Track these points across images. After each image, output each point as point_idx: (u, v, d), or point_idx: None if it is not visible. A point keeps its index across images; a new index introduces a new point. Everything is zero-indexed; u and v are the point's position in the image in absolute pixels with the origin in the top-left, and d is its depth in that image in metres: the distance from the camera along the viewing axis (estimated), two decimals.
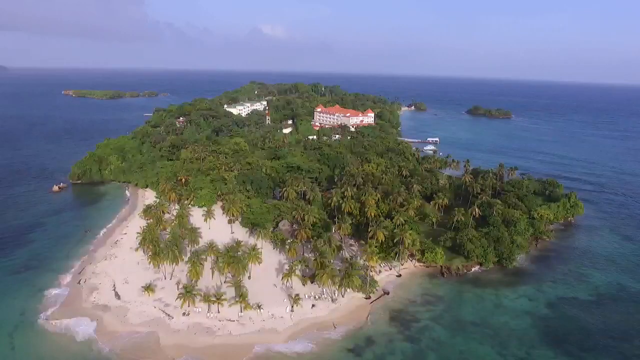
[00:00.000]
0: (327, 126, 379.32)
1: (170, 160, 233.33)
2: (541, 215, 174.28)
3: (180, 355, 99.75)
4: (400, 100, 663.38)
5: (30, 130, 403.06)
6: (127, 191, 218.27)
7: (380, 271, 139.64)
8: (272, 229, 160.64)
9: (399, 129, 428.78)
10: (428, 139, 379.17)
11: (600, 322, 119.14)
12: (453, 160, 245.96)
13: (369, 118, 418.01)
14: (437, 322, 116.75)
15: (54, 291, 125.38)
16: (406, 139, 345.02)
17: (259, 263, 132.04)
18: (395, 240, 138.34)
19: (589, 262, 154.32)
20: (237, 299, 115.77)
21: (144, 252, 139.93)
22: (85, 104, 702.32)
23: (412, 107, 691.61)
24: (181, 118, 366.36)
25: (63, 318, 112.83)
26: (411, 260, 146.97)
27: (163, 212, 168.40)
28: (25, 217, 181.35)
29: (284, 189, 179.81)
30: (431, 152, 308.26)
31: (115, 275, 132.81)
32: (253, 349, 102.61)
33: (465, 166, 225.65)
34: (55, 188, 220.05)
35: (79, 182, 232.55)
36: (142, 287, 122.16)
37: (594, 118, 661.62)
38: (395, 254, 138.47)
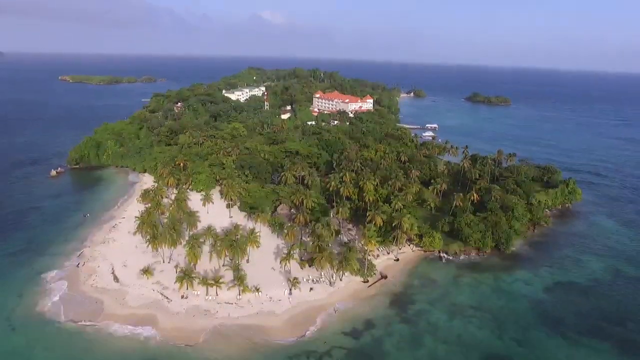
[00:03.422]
0: (325, 112, 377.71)
1: (169, 145, 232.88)
2: (539, 201, 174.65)
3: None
4: (399, 87, 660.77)
5: (27, 115, 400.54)
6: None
7: (378, 255, 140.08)
8: (270, 213, 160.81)
9: (397, 115, 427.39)
10: (427, 125, 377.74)
11: (595, 306, 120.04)
12: (452, 147, 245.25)
13: (367, 104, 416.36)
14: (434, 306, 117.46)
15: (52, 274, 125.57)
16: (405, 125, 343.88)
17: (257, 247, 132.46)
18: (393, 225, 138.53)
19: (585, 248, 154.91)
20: (235, 282, 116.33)
21: (142, 236, 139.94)
22: (83, 89, 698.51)
23: (411, 94, 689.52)
24: (179, 103, 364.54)
25: (62, 301, 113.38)
26: (409, 245, 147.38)
27: (161, 196, 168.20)
28: (24, 202, 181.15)
29: (283, 173, 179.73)
30: (430, 138, 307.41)
31: (114, 259, 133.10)
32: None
33: (464, 152, 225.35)
34: (53, 173, 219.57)
35: (77, 166, 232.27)
36: (141, 270, 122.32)
37: (594, 106, 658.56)
38: (394, 238, 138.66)
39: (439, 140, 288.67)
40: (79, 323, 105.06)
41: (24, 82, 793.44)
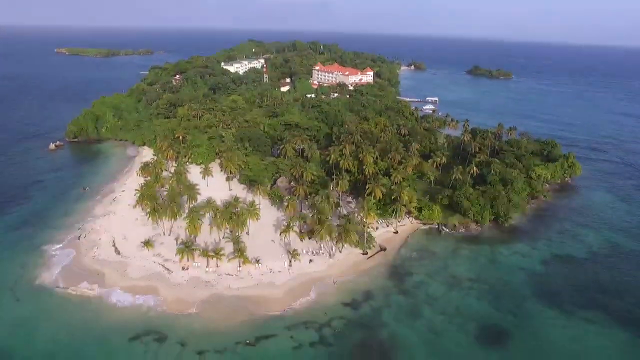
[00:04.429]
0: (325, 84, 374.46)
1: (167, 118, 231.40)
2: (538, 174, 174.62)
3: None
4: (399, 60, 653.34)
5: (24, 89, 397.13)
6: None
7: (377, 228, 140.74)
8: (270, 185, 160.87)
9: (398, 88, 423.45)
10: (427, 98, 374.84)
11: (592, 279, 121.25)
12: (452, 120, 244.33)
13: (367, 77, 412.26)
14: (433, 278, 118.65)
15: (54, 247, 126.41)
16: (405, 98, 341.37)
17: (257, 219, 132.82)
18: (392, 198, 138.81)
19: (584, 222, 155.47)
20: (235, 254, 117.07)
21: (142, 208, 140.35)
22: (80, 62, 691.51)
23: (412, 67, 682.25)
24: (178, 76, 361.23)
25: (64, 273, 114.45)
26: (408, 218, 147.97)
27: (161, 169, 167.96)
28: (23, 175, 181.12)
29: (282, 146, 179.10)
30: (430, 111, 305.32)
31: (115, 232, 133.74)
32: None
33: (464, 126, 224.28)
34: (52, 146, 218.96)
35: (76, 140, 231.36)
36: (142, 242, 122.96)
37: (596, 80, 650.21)
38: (393, 210, 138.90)
39: (439, 113, 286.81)
40: (81, 294, 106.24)
41: (19, 55, 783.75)
